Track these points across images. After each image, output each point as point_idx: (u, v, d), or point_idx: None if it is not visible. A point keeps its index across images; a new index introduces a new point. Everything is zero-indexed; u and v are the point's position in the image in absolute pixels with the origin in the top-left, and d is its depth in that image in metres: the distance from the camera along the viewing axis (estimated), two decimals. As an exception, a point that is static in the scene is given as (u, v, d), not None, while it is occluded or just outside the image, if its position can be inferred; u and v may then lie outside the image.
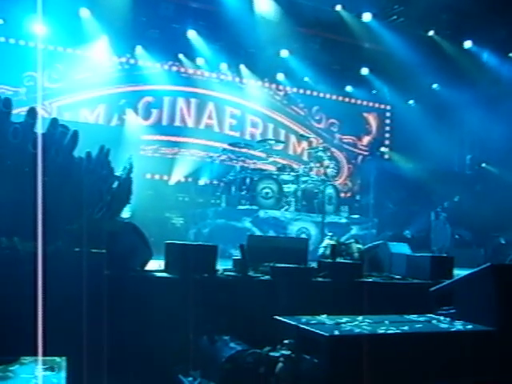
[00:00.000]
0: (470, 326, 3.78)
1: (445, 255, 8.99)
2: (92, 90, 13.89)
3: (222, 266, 5.60)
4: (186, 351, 4.31)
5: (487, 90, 14.45)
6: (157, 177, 14.21)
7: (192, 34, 14.13)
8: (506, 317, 3.70)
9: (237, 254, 5.68)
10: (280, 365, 3.40)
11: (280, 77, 16.02)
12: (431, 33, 14.39)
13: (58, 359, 3.39)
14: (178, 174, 14.29)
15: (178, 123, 15.12)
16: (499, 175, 15.23)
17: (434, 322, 3.96)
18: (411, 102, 17.25)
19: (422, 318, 4.04)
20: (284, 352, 3.41)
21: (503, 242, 13.50)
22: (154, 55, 14.33)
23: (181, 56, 14.77)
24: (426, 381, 3.40)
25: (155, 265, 5.37)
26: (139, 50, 14.18)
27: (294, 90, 16.45)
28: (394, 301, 5.45)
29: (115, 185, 5.39)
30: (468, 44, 14.56)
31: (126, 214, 7.37)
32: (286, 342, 3.45)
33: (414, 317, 4.07)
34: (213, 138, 14.99)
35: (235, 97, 15.74)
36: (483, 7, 12.59)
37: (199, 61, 14.90)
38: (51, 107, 13.49)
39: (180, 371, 4.26)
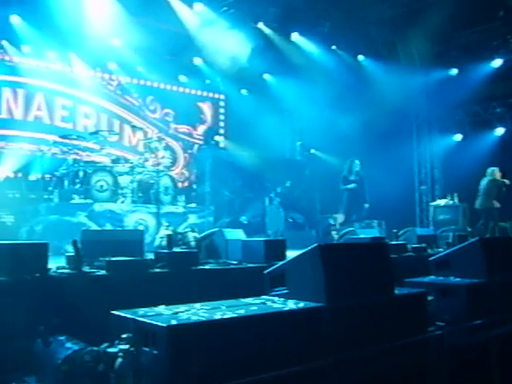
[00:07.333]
0: (301, 304, 3.98)
1: (278, 238, 9.39)
2: None
3: (57, 263, 5.39)
4: (19, 358, 4.10)
5: (313, 80, 15.23)
6: (-18, 173, 13.29)
7: (16, 20, 13.32)
8: (332, 292, 3.97)
9: (71, 251, 5.50)
10: (119, 360, 3.35)
11: (112, 66, 15.65)
12: (260, 25, 14.84)
13: None
14: (7, 170, 13.49)
15: (4, 115, 14.21)
16: (325, 160, 16.24)
17: (268, 303, 4.10)
18: (244, 91, 17.72)
19: (257, 301, 4.18)
20: (122, 347, 3.37)
21: (332, 222, 14.44)
22: (-26, 42, 13.31)
23: (4, 43, 13.90)
24: (265, 362, 3.52)
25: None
26: (-44, 37, 13.11)
27: (128, 79, 16.18)
28: (231, 286, 5.61)
29: None
30: (295, 36, 15.26)
31: None
32: (124, 336, 3.41)
33: (249, 300, 4.19)
34: (43, 131, 14.32)
35: (66, 87, 15.13)
36: (308, 1, 13.30)
37: (25, 48, 14.12)
38: None
39: (13, 379, 4.04)
